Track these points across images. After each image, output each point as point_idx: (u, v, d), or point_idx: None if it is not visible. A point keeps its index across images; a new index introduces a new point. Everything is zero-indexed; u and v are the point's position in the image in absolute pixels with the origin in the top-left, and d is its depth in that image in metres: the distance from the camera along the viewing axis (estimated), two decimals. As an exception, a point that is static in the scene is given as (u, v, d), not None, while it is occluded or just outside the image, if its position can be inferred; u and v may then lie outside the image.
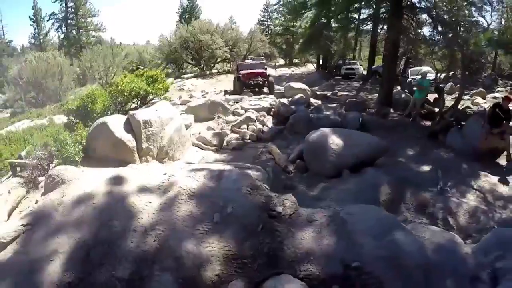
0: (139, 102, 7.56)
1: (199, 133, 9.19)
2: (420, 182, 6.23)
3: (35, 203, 4.87)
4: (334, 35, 16.59)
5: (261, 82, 17.96)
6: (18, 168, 6.73)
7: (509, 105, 7.66)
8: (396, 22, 11.57)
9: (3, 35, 44.53)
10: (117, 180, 4.64)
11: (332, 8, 14.07)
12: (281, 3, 50.92)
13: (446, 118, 9.49)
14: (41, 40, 43.88)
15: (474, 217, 5.28)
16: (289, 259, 3.46)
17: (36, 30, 44.05)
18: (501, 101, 7.79)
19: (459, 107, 10.64)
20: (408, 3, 12.48)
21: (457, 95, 11.77)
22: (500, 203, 5.76)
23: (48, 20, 44.24)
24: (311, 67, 38.62)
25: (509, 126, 7.62)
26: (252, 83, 17.83)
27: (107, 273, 3.38)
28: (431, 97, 13.19)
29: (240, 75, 18.27)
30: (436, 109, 11.62)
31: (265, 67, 20.25)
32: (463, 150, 7.76)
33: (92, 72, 24.45)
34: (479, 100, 15.13)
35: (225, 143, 8.96)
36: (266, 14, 57.82)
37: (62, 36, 44.46)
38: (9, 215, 4.98)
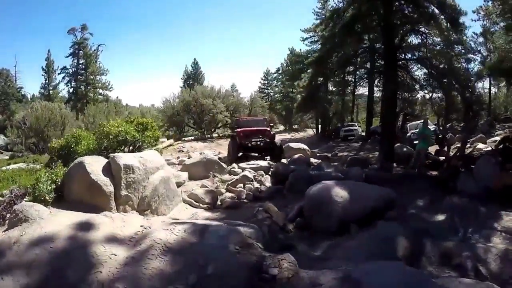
0: (127, 149, 7.06)
1: (192, 190, 8.55)
2: (439, 231, 5.52)
3: (-6, 238, 4.47)
4: (331, 98, 16.57)
5: (262, 144, 13.61)
6: (-1, 206, 6.45)
7: None
8: (391, 75, 11.72)
9: (15, 80, 46.39)
10: (85, 226, 4.08)
11: (329, 71, 14.31)
12: (280, 71, 54.11)
13: (453, 163, 9.02)
14: (50, 92, 45.30)
15: (507, 261, 4.54)
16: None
17: (47, 81, 45.81)
18: (510, 133, 7.33)
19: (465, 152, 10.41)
20: (402, 56, 12.81)
21: (459, 144, 11.51)
22: (531, 240, 5.02)
23: (59, 73, 46.15)
24: (310, 132, 39.29)
25: None
26: (250, 145, 13.60)
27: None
28: (432, 149, 12.95)
29: (236, 134, 14.20)
30: (441, 158, 11.30)
31: (271, 125, 16.63)
32: (477, 193, 7.18)
33: (94, 126, 24.60)
34: (480, 146, 14.95)
35: (219, 202, 8.29)
36: (266, 82, 61.05)
37: (70, 90, 46.03)
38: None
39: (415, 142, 13.95)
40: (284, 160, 12.48)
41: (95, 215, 4.57)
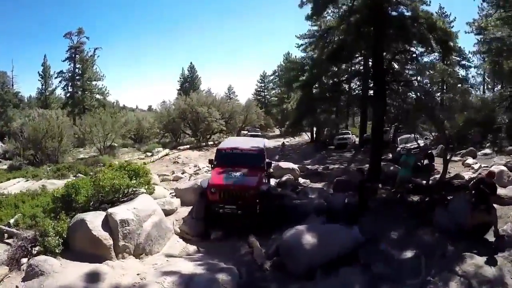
0: (120, 195, 7.74)
1: (183, 220, 9.22)
2: (401, 274, 5.98)
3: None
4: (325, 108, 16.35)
5: (240, 212, 8.84)
6: (5, 235, 7.07)
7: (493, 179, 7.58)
8: (379, 106, 12.23)
9: (12, 85, 45.22)
10: (92, 277, 5.21)
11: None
12: (277, 74, 54.71)
13: (432, 196, 9.79)
14: (47, 96, 45.30)
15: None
16: None
17: (44, 87, 45.80)
18: (485, 176, 7.75)
19: (447, 177, 11.31)
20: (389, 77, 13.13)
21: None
22: (486, 288, 5.33)
23: (55, 78, 45.79)
24: (305, 136, 39.86)
25: (495, 199, 7.51)
26: (222, 211, 8.84)
27: None
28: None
29: (207, 187, 9.12)
30: (423, 181, 11.80)
31: (266, 163, 10.40)
32: (449, 229, 7.48)
33: (91, 136, 25.51)
34: (469, 160, 15.20)
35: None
36: (262, 85, 62.48)
37: (67, 95, 45.75)
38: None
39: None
40: (272, 181, 12.53)
41: (99, 266, 5.56)
